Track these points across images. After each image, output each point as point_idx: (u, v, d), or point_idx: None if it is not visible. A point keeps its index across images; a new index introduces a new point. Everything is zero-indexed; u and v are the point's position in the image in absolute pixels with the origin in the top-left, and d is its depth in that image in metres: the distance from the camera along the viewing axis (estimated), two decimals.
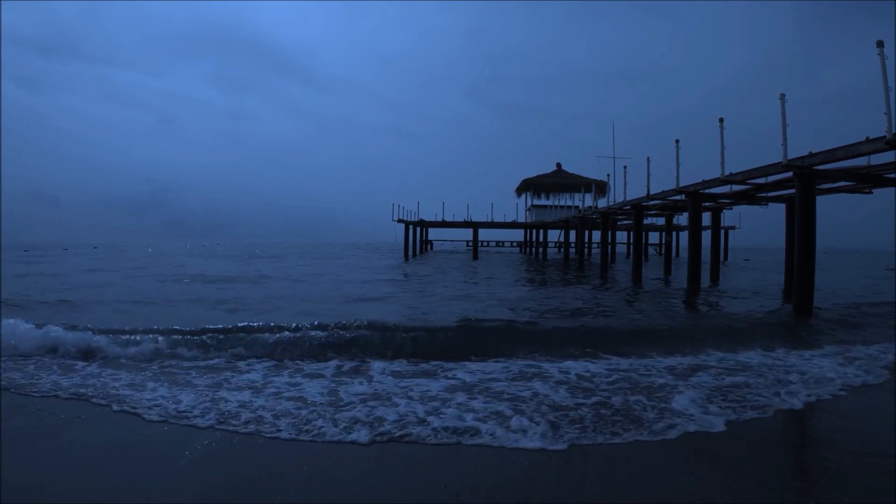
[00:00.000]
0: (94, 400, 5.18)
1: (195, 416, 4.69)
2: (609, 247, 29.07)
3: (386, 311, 10.86)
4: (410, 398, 5.23)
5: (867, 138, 8.85)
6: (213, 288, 16.70)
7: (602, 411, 4.92)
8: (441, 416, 4.71)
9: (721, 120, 12.96)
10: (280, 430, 4.40)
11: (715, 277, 18.68)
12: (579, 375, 6.14)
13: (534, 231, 46.22)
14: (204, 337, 7.43)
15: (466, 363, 6.68)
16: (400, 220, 40.52)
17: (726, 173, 12.95)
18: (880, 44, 8.35)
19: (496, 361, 6.77)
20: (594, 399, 5.29)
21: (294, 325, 7.89)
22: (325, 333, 7.55)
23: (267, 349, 7.09)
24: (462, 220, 42.17)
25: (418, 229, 45.50)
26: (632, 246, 23.45)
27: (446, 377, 6.07)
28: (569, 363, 6.69)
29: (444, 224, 42.96)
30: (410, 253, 43.11)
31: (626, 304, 13.30)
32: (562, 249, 39.45)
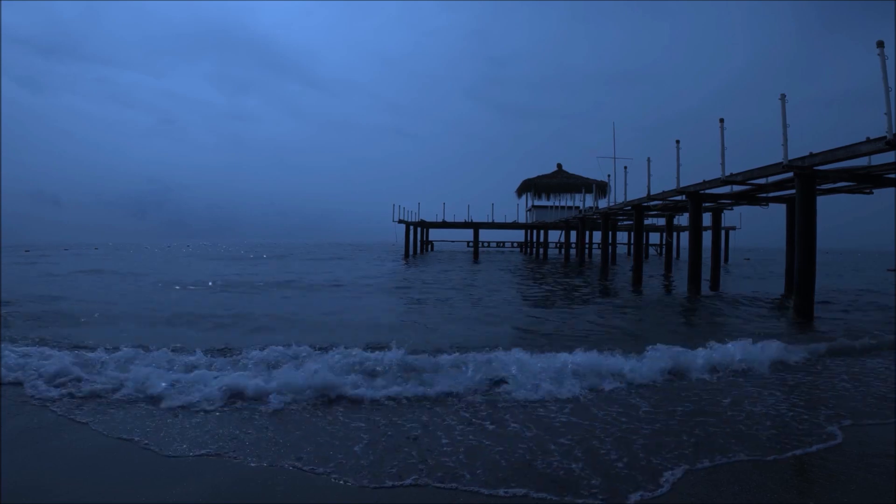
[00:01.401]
0: None
1: None
2: (610, 247, 29.10)
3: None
4: None
5: (867, 139, 8.85)
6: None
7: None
8: None
9: (721, 120, 12.98)
10: None
11: (716, 280, 18.63)
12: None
13: (534, 231, 46.27)
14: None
15: None
16: (401, 221, 40.59)
17: (727, 174, 12.96)
18: (880, 44, 8.36)
19: None
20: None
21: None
22: None
23: None
24: (463, 220, 42.24)
25: (419, 230, 45.57)
26: (632, 247, 23.44)
27: None
28: None
29: (444, 225, 43.02)
30: (411, 253, 43.18)
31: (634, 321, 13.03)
32: (562, 250, 39.49)
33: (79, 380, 5.59)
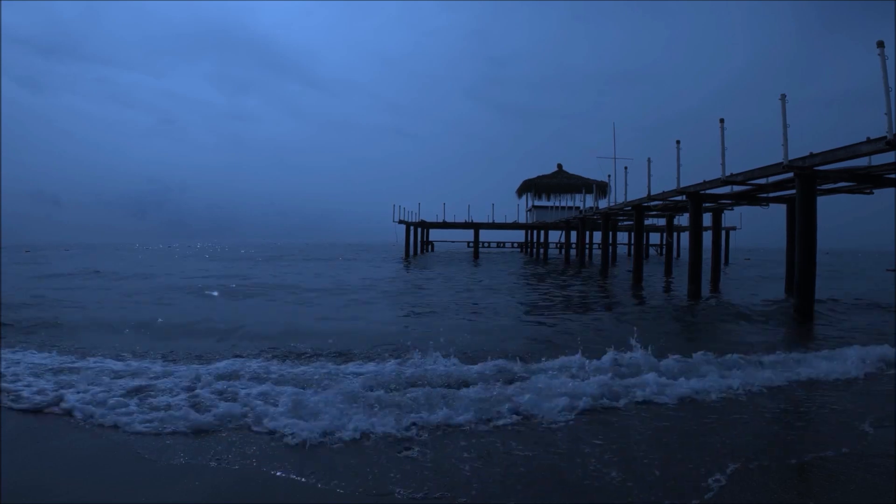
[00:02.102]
0: None
1: None
2: (610, 248, 29.08)
3: None
4: None
5: (868, 139, 8.85)
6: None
7: None
8: None
9: (721, 121, 12.96)
10: None
11: (716, 280, 18.60)
12: None
13: (535, 232, 46.27)
14: None
15: None
16: (401, 221, 40.59)
17: (727, 174, 12.95)
18: (881, 44, 8.35)
19: None
20: None
21: None
22: None
23: None
24: (463, 220, 42.23)
25: (419, 230, 45.57)
26: (633, 247, 23.42)
27: None
28: None
29: (445, 225, 43.01)
30: (412, 253, 43.19)
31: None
32: (562, 250, 39.49)
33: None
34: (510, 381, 5.65)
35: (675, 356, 6.48)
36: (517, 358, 6.55)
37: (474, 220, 42.20)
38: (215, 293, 16.39)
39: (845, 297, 15.42)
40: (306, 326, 10.08)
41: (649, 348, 6.55)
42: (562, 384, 5.45)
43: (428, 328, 9.47)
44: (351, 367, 6.32)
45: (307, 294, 16.57)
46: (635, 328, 7.50)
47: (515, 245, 59.13)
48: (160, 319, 10.53)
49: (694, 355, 6.62)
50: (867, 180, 12.24)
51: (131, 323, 9.98)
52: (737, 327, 10.58)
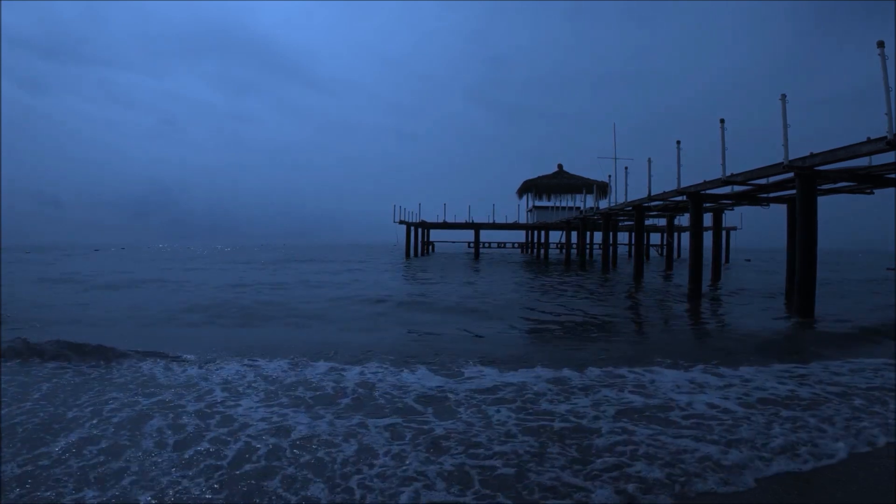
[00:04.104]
0: None
1: None
2: (611, 248, 29.09)
3: None
4: None
5: (868, 139, 8.86)
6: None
7: None
8: None
9: (722, 121, 12.97)
10: None
11: (716, 281, 18.57)
12: None
13: (535, 232, 46.25)
14: None
15: None
16: (401, 222, 40.57)
17: (727, 174, 12.96)
18: (881, 44, 8.36)
19: None
20: None
21: None
22: None
23: None
24: (464, 221, 42.22)
25: (420, 231, 45.57)
26: (633, 247, 23.42)
27: None
28: None
29: (445, 225, 42.98)
30: (412, 254, 43.21)
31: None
32: (563, 250, 39.50)
33: None
34: None
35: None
36: None
37: (475, 221, 42.21)
38: None
39: (845, 299, 15.35)
40: None
41: None
42: None
43: None
44: None
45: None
46: None
47: (516, 245, 59.19)
48: None
49: None
50: (867, 180, 12.24)
51: None
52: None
